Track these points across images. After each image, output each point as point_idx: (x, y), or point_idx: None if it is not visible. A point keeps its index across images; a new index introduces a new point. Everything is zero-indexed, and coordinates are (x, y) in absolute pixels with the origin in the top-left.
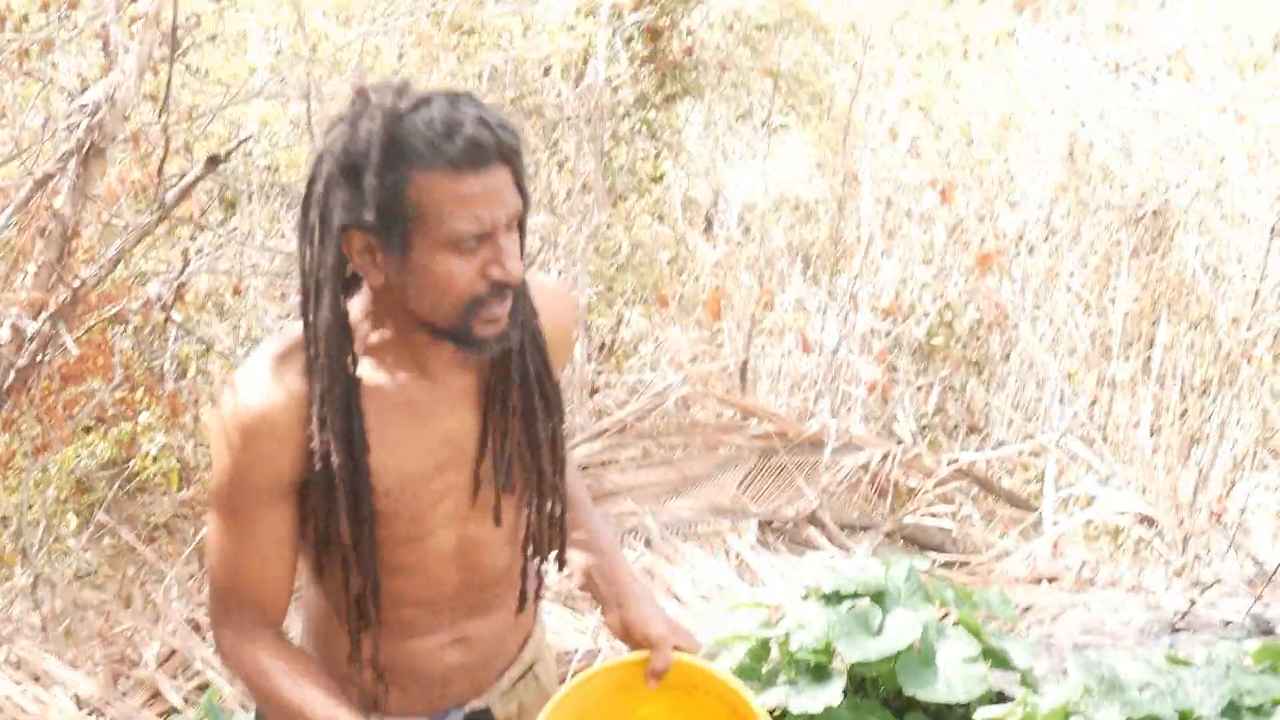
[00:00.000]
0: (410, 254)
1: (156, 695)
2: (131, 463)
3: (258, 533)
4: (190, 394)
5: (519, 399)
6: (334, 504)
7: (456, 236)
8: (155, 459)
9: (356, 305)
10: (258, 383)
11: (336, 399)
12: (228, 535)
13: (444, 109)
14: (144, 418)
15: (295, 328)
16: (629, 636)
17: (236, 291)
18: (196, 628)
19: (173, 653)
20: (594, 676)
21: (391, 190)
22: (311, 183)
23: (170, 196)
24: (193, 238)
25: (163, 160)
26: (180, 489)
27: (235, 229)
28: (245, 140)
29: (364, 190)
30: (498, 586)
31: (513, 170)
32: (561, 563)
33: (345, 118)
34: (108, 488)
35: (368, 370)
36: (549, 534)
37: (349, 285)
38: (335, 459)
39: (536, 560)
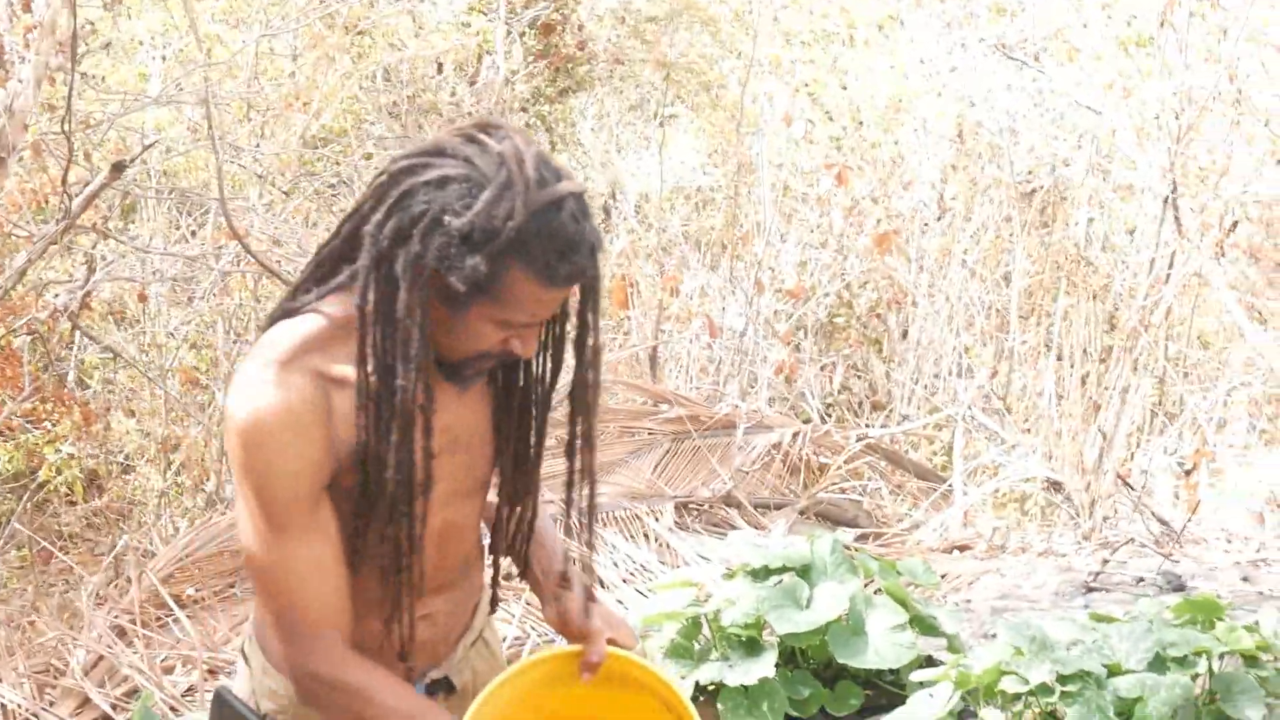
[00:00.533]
0: (464, 313)
1: (86, 703)
2: (38, 475)
3: (313, 541)
4: (101, 403)
5: (522, 397)
6: (382, 498)
7: (511, 322)
8: (59, 470)
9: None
10: (272, 391)
11: (411, 400)
12: (285, 554)
13: (571, 220)
14: (56, 428)
15: (279, 332)
16: (566, 629)
17: (141, 298)
18: (121, 633)
19: (99, 659)
20: (527, 668)
21: (490, 273)
22: (409, 198)
23: (76, 204)
24: (94, 246)
25: (66, 168)
26: (88, 499)
27: (136, 236)
28: (150, 146)
29: (469, 263)
30: (462, 566)
31: (595, 278)
32: (525, 558)
33: (462, 176)
34: (15, 501)
35: None
36: (522, 526)
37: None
38: (396, 459)
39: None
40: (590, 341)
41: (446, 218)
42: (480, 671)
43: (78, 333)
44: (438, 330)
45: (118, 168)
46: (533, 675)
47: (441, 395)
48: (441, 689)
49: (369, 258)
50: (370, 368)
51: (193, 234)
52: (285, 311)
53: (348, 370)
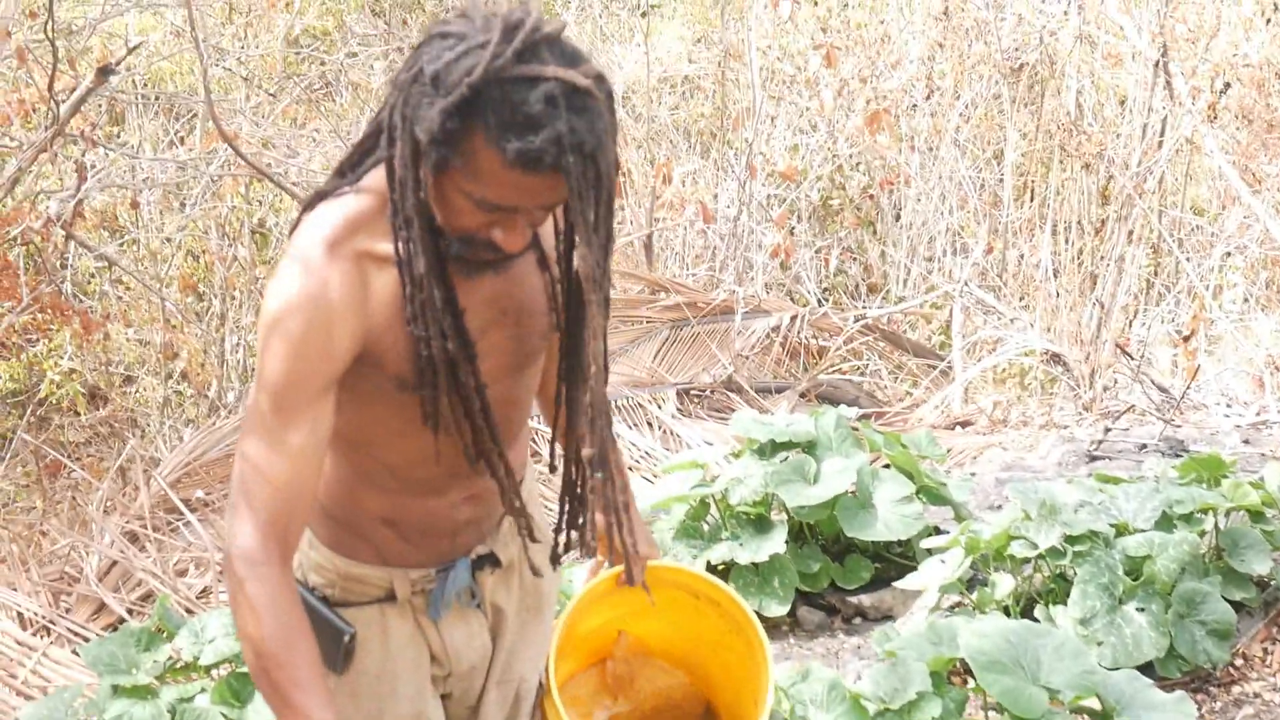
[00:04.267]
0: (440, 177)
1: (101, 608)
2: (39, 390)
3: (307, 433)
4: (100, 312)
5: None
6: (437, 386)
7: (481, 200)
8: (59, 384)
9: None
10: (311, 275)
11: (435, 278)
12: (277, 442)
13: (543, 102)
14: (55, 339)
15: (325, 212)
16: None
17: (134, 206)
18: (133, 539)
19: (113, 565)
20: (596, 592)
21: (452, 134)
22: (407, 71)
23: (64, 110)
24: (84, 154)
25: (52, 75)
26: (90, 410)
27: (125, 143)
28: (135, 48)
29: (428, 114)
30: (511, 442)
31: (569, 179)
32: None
33: (458, 33)
34: (18, 417)
35: None
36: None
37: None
38: (445, 344)
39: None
40: (578, 252)
41: (425, 67)
42: (525, 544)
43: (72, 243)
44: (433, 201)
45: (103, 72)
46: (597, 597)
47: (481, 269)
48: (488, 563)
49: (386, 109)
50: (406, 233)
51: (181, 140)
52: (322, 194)
53: (389, 247)
